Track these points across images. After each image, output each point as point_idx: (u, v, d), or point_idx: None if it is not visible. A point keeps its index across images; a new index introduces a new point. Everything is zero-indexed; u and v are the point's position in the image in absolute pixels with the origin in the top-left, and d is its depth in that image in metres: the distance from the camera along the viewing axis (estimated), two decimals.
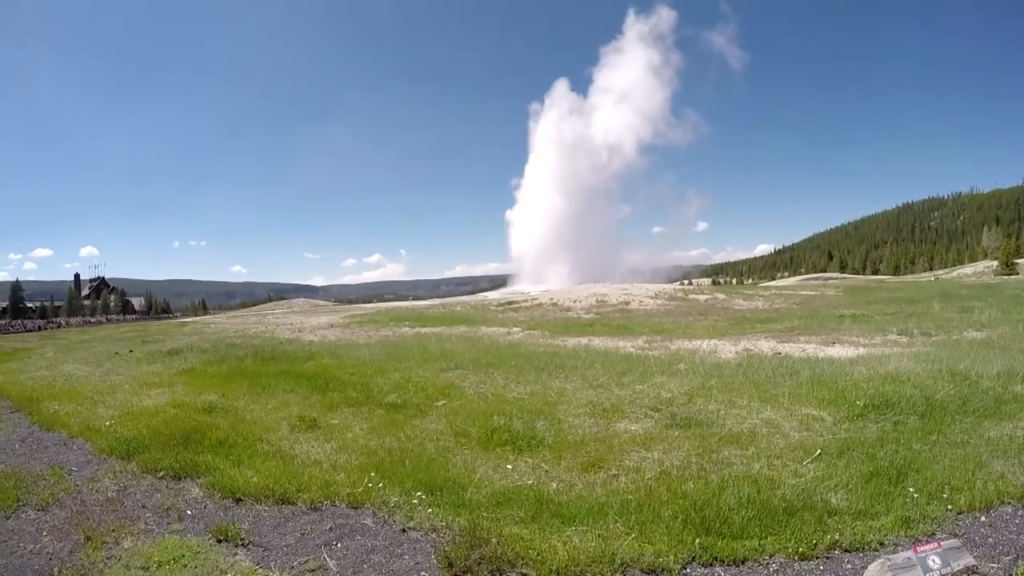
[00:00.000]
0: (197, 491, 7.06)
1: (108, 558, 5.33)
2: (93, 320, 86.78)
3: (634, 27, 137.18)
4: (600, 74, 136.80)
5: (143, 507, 6.63)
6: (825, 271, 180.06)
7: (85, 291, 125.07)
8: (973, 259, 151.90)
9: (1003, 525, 5.35)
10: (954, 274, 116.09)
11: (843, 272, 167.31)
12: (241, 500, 6.70)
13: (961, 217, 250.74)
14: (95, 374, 16.77)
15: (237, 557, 5.36)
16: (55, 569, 5.13)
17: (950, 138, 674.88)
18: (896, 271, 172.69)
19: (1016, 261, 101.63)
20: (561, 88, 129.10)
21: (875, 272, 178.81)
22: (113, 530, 5.91)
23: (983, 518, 5.51)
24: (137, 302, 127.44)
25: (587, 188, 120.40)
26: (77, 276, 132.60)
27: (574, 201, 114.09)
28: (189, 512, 6.48)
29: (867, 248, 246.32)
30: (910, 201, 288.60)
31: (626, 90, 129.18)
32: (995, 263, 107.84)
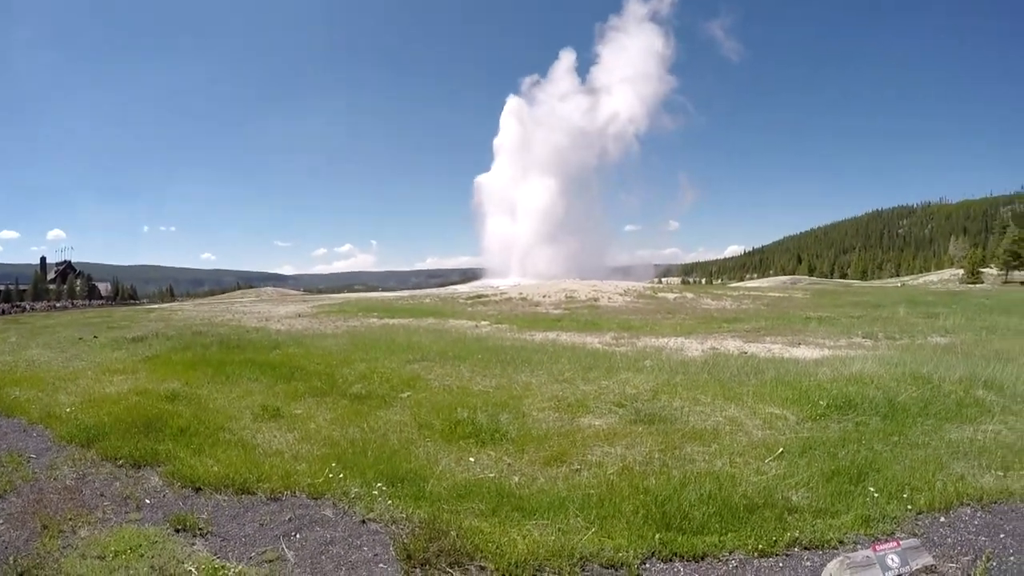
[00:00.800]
0: (157, 480, 6.97)
1: (65, 547, 5.25)
2: (59, 305, 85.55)
3: (633, 8, 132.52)
4: (593, 55, 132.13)
5: (101, 496, 6.54)
6: (794, 273, 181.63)
7: (51, 275, 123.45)
8: (940, 267, 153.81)
9: (962, 526, 5.43)
10: (920, 281, 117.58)
11: (811, 275, 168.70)
12: (201, 489, 6.62)
13: (929, 226, 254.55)
14: (58, 360, 16.52)
15: (195, 547, 5.30)
16: (11, 558, 5.02)
17: (922, 148, 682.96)
18: (864, 276, 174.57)
19: (982, 270, 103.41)
20: (566, 61, 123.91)
21: (843, 276, 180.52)
22: (70, 519, 5.82)
23: (942, 518, 5.59)
24: (104, 287, 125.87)
25: (579, 174, 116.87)
26: (43, 259, 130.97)
27: (563, 186, 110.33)
28: (148, 501, 6.39)
29: (836, 253, 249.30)
30: (880, 208, 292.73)
31: (622, 73, 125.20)
32: (961, 271, 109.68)
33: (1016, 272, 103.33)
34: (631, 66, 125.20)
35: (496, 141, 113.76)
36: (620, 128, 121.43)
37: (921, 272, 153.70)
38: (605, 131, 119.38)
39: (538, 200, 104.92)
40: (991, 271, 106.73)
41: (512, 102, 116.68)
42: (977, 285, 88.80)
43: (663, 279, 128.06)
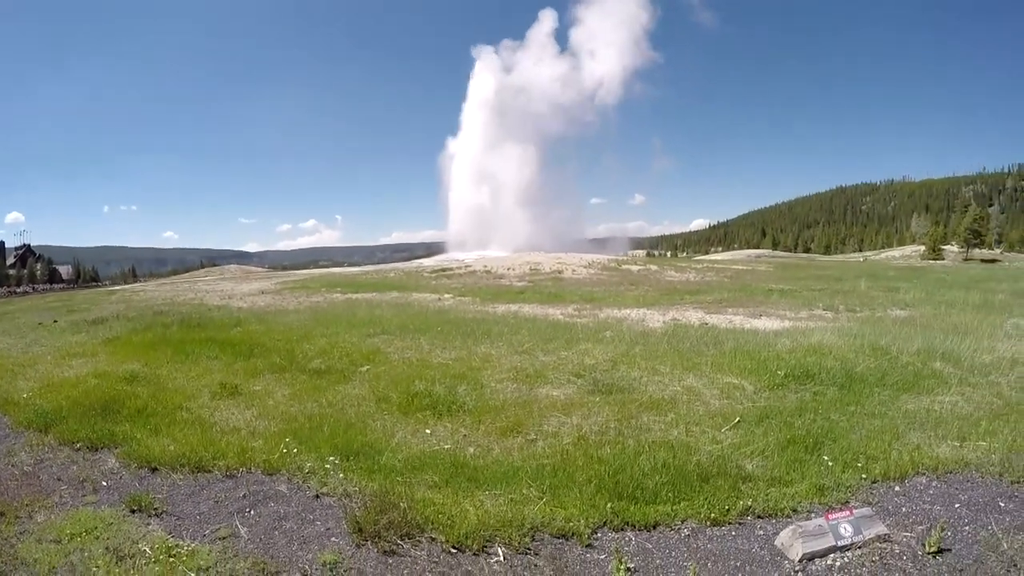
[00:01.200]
0: (113, 462, 6.93)
1: (21, 533, 5.22)
2: (19, 290, 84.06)
3: None
4: (569, 19, 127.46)
5: (58, 480, 6.51)
6: (759, 247, 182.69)
7: (10, 260, 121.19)
8: (902, 243, 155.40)
9: (917, 495, 5.49)
10: (883, 256, 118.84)
11: (776, 249, 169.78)
12: (157, 469, 6.60)
13: (892, 203, 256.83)
14: (17, 346, 16.20)
15: (150, 527, 5.28)
16: None
17: (886, 126, 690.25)
18: (827, 251, 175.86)
19: (943, 247, 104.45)
20: (545, 24, 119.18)
21: (807, 251, 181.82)
22: (27, 504, 5.79)
23: (897, 487, 5.65)
24: (65, 270, 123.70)
25: (554, 142, 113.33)
26: (1, 244, 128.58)
27: (539, 155, 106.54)
28: (104, 483, 6.37)
29: (800, 227, 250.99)
30: (843, 185, 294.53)
31: (600, 39, 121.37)
32: (922, 248, 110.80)
33: (976, 250, 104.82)
34: (609, 32, 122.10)
35: (466, 104, 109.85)
36: (597, 96, 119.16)
37: (883, 248, 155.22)
38: (581, 99, 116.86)
39: (512, 168, 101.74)
40: (952, 248, 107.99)
41: (484, 56, 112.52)
42: (938, 261, 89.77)
43: (638, 251, 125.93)
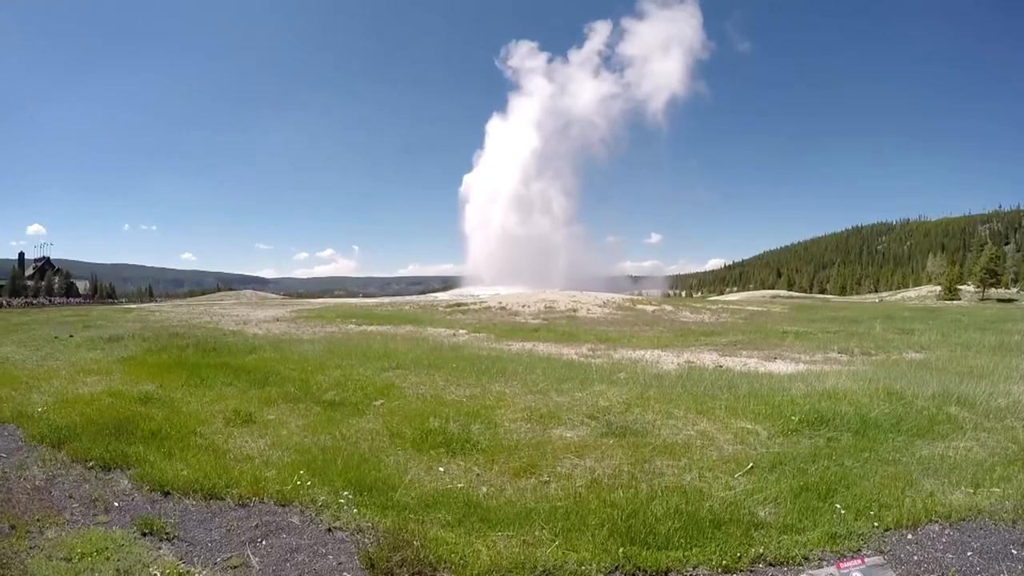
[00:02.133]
0: (126, 483, 6.97)
1: (31, 548, 5.24)
2: (36, 302, 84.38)
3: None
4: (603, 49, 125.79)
5: (70, 497, 6.55)
6: (774, 288, 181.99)
7: (29, 271, 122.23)
8: (918, 283, 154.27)
9: (929, 543, 5.43)
10: (898, 296, 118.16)
11: (791, 290, 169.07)
12: (169, 493, 6.62)
13: (908, 243, 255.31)
14: (32, 358, 16.36)
15: (161, 551, 5.29)
16: None
17: (902, 166, 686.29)
18: (843, 291, 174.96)
19: (959, 287, 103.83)
20: (601, 31, 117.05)
21: (822, 291, 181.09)
22: (39, 519, 5.82)
23: (910, 535, 5.59)
24: (82, 285, 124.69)
25: (592, 173, 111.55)
26: (22, 255, 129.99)
27: (577, 187, 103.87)
28: (116, 504, 6.40)
29: (815, 268, 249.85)
30: (859, 225, 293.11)
31: (640, 67, 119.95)
32: (938, 288, 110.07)
33: (993, 289, 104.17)
34: (654, 60, 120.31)
35: (491, 131, 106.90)
36: (638, 125, 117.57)
37: (899, 288, 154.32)
38: (621, 128, 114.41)
39: (553, 197, 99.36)
40: (968, 288, 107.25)
41: (523, 55, 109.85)
42: (954, 302, 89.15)
43: (652, 291, 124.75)
